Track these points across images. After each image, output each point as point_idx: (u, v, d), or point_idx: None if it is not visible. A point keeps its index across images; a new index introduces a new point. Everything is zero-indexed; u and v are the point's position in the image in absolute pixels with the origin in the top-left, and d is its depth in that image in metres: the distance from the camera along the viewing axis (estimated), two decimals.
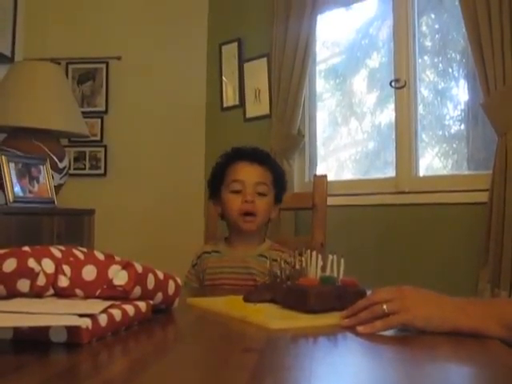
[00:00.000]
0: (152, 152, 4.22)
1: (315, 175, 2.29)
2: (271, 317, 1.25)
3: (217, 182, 2.00)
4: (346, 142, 3.87)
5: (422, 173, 3.28)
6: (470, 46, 2.81)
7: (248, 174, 1.95)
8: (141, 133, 4.24)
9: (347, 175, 3.80)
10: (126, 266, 1.20)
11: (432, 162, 3.40)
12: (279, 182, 2.03)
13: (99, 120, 4.27)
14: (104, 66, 4.28)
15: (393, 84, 3.26)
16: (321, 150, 3.83)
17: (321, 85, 3.89)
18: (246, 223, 1.93)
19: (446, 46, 3.39)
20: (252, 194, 1.92)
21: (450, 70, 3.40)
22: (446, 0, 3.23)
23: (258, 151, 2.04)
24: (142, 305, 1.18)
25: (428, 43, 3.48)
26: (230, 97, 4.08)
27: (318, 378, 0.85)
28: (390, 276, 3.08)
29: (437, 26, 3.45)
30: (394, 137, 3.32)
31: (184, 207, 4.14)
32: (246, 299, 1.44)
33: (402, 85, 3.23)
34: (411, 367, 0.92)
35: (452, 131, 3.37)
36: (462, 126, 3.28)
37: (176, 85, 4.19)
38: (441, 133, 3.40)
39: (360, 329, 1.11)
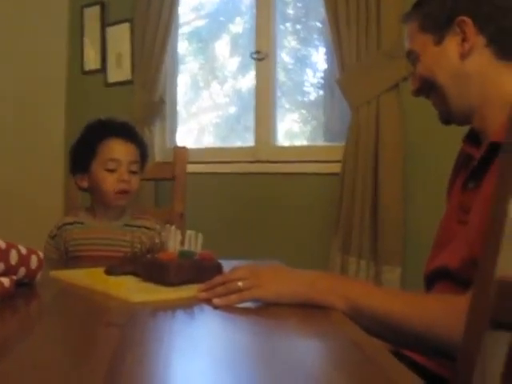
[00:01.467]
0: (9, 117, 4.05)
1: (176, 147, 2.35)
2: (132, 290, 1.31)
3: (86, 157, 1.97)
4: (207, 106, 3.92)
5: (281, 139, 3.39)
6: (327, 22, 2.94)
7: (123, 153, 1.95)
8: None
9: (208, 139, 3.86)
10: None
11: (291, 127, 3.54)
12: (144, 156, 2.06)
13: None
14: None
15: (254, 56, 3.35)
16: (182, 113, 3.86)
17: (184, 47, 3.90)
18: (119, 200, 1.95)
19: (308, 15, 3.49)
20: (127, 173, 1.94)
21: (311, 39, 3.52)
22: None
23: (128, 127, 2.05)
24: (6, 280, 1.21)
25: (290, 11, 3.58)
26: (91, 60, 4.01)
27: (176, 351, 0.93)
28: (247, 244, 3.20)
29: None
30: (253, 105, 3.40)
31: (42, 176, 4.00)
32: (108, 272, 1.49)
33: (262, 57, 3.32)
34: (262, 336, 1.02)
35: (311, 98, 3.50)
36: (321, 93, 3.40)
37: (35, 47, 4.04)
38: (300, 99, 3.53)
39: (216, 301, 1.19)
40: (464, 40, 1.34)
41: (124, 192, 1.94)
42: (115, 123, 2.03)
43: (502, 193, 0.80)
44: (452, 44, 1.36)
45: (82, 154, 1.99)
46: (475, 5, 1.34)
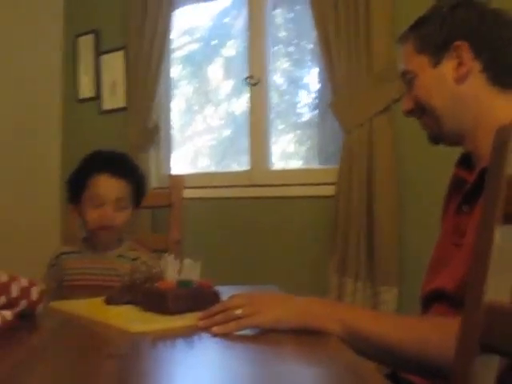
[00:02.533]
0: (5, 144, 4.05)
1: (172, 175, 2.38)
2: (132, 320, 1.33)
3: (77, 189, 2.00)
4: (201, 129, 3.95)
5: (276, 159, 3.43)
6: (319, 48, 2.99)
7: (109, 190, 1.96)
8: None
9: (203, 162, 3.88)
10: None
11: (286, 148, 3.57)
12: (140, 189, 2.06)
13: None
14: None
15: (247, 81, 3.38)
16: (177, 137, 3.88)
17: (177, 71, 3.93)
18: (102, 235, 1.97)
19: (300, 37, 3.53)
20: (112, 210, 1.94)
21: (304, 60, 3.56)
22: None
23: (121, 161, 2.06)
24: (8, 313, 1.23)
25: (282, 33, 3.62)
26: (85, 89, 4.05)
27: (177, 381, 0.95)
28: (244, 268, 3.22)
29: (291, 15, 3.60)
30: (247, 128, 3.44)
31: (39, 204, 4.00)
32: (108, 301, 1.51)
33: (255, 81, 3.35)
34: (260, 363, 1.04)
35: (305, 119, 3.53)
36: (315, 113, 3.43)
37: (30, 76, 4.06)
38: (294, 120, 3.56)
39: (215, 329, 1.21)
40: (460, 64, 1.37)
41: (106, 228, 1.95)
42: (108, 157, 2.04)
43: (488, 219, 0.82)
44: (448, 67, 1.39)
45: (75, 186, 2.01)
46: (472, 30, 1.37)
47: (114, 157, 2.06)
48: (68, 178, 2.06)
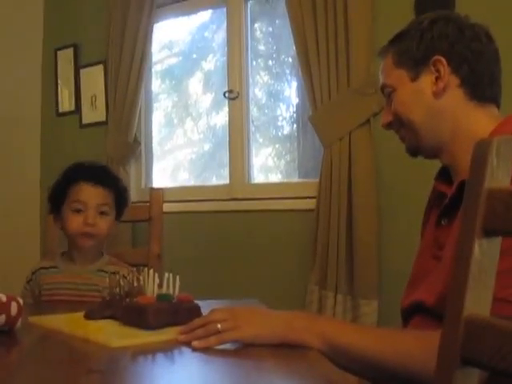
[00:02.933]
0: None
1: (151, 188, 2.38)
2: (112, 335, 1.32)
3: (58, 200, 1.99)
4: (181, 143, 3.96)
5: (255, 173, 3.44)
6: (298, 61, 3.00)
7: (90, 196, 1.95)
8: None
9: (183, 176, 3.89)
10: None
11: (266, 161, 3.58)
12: (121, 200, 2.05)
13: None
14: None
15: (226, 95, 3.39)
16: (157, 151, 3.89)
17: (157, 85, 3.94)
18: (85, 242, 1.95)
19: (279, 51, 3.55)
20: (93, 215, 1.93)
21: (283, 74, 3.57)
22: (278, 7, 3.35)
23: (102, 172, 2.06)
24: None
25: (261, 47, 3.64)
26: (65, 102, 4.04)
27: None
28: (225, 281, 3.21)
29: (270, 29, 3.62)
30: (227, 142, 3.44)
31: (18, 219, 3.96)
32: (88, 316, 1.50)
33: (235, 96, 3.37)
34: (241, 378, 1.05)
35: (285, 132, 3.55)
36: (294, 127, 3.45)
37: (10, 90, 4.03)
38: (274, 133, 3.58)
39: (195, 343, 1.21)
40: (438, 79, 1.39)
41: (88, 235, 1.94)
42: (88, 167, 2.04)
43: (467, 232, 0.83)
44: (427, 82, 1.41)
45: (56, 195, 2.01)
46: (451, 46, 1.39)
47: (95, 167, 2.06)
48: (50, 188, 2.05)
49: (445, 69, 1.38)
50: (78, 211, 1.95)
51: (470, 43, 1.39)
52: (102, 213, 1.96)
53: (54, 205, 2.02)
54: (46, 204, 2.08)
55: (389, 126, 1.51)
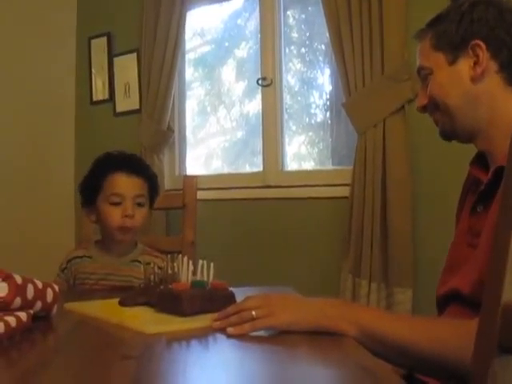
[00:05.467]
0: (19, 148, 4.06)
1: (185, 175, 2.38)
2: (146, 321, 1.33)
3: (92, 191, 1.98)
4: (215, 131, 3.96)
5: (289, 161, 3.43)
6: (332, 48, 2.98)
7: (127, 188, 1.94)
8: (7, 130, 3.97)
9: (216, 164, 3.89)
10: (6, 277, 1.25)
11: (299, 149, 3.57)
12: (154, 188, 2.05)
13: None
14: None
15: (259, 82, 3.39)
16: (190, 139, 3.90)
17: (189, 73, 3.94)
18: (123, 235, 1.95)
19: (312, 38, 3.53)
20: (131, 207, 1.93)
21: (317, 61, 3.55)
22: None
23: (134, 161, 2.05)
24: (23, 315, 1.23)
25: (294, 34, 3.62)
26: (99, 91, 4.07)
27: (192, 382, 0.95)
28: (258, 269, 3.22)
29: (303, 16, 3.60)
30: (260, 129, 3.44)
31: (53, 208, 4.00)
32: (122, 303, 1.51)
33: (268, 83, 3.36)
34: (275, 364, 1.04)
35: (318, 120, 3.52)
36: (327, 115, 3.43)
37: (44, 79, 4.07)
38: (307, 121, 3.55)
39: (230, 330, 1.21)
40: (476, 63, 1.37)
41: (126, 229, 1.94)
42: (120, 157, 2.03)
43: (505, 219, 0.81)
44: (465, 66, 1.39)
45: (89, 188, 2.00)
46: (490, 30, 1.36)
47: (126, 157, 2.05)
48: (81, 182, 2.05)
49: (483, 54, 1.36)
50: (116, 204, 1.94)
51: (510, 28, 1.36)
52: (138, 204, 1.96)
53: (86, 198, 2.02)
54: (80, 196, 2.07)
55: (423, 108, 1.49)
